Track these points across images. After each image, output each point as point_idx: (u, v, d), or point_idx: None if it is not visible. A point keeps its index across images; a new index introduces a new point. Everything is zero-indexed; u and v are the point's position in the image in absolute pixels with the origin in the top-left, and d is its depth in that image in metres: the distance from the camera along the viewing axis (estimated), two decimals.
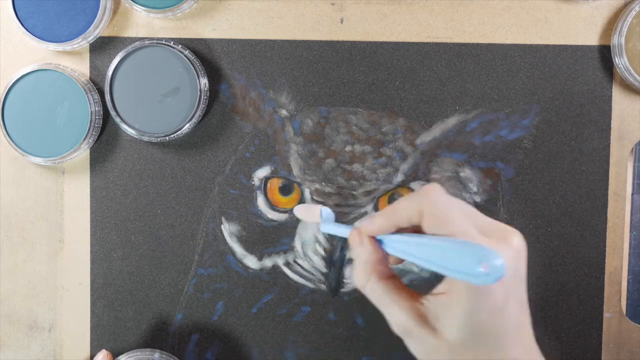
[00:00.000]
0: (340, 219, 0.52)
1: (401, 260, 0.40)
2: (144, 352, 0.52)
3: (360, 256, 0.39)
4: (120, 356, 0.52)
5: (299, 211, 0.49)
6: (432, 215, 0.36)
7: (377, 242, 0.39)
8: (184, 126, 0.51)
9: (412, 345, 0.38)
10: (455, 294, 0.36)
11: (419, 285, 0.52)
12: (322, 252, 0.52)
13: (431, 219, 0.36)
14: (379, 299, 0.38)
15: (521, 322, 0.37)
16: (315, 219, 0.47)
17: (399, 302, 0.37)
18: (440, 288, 0.37)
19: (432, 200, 0.37)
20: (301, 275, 0.53)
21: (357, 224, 0.39)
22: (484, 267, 0.33)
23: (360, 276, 0.38)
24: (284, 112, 0.52)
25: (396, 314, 0.37)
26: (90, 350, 0.53)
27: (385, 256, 0.39)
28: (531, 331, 0.38)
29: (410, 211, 0.37)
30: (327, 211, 0.46)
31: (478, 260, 0.33)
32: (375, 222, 0.39)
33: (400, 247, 0.38)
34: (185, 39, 0.52)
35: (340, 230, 0.43)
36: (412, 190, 0.49)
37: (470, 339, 0.35)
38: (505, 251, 0.35)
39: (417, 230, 0.38)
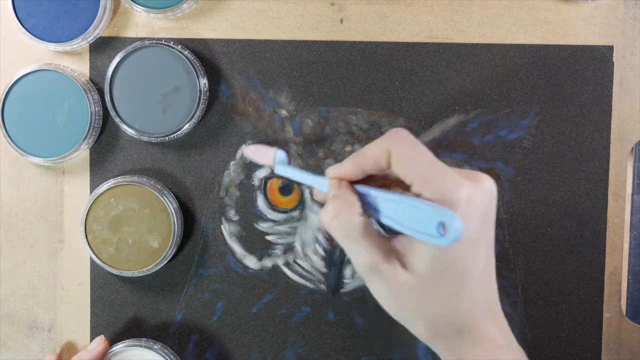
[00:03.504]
0: None
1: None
2: (139, 341, 0.52)
3: (332, 195, 0.38)
4: (118, 343, 0.52)
5: (251, 153, 0.47)
6: (400, 154, 0.36)
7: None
8: (184, 126, 0.51)
9: (377, 284, 0.37)
10: None
11: None
12: (322, 252, 0.52)
13: (400, 157, 0.36)
14: (346, 235, 0.37)
15: (486, 264, 0.37)
16: (268, 161, 0.45)
17: (367, 237, 0.36)
18: None
19: (399, 139, 0.37)
20: (301, 276, 0.53)
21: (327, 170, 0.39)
22: (442, 228, 0.33)
23: (329, 210, 0.37)
24: (284, 112, 0.52)
25: (363, 249, 0.36)
26: None
27: (358, 199, 0.38)
28: (494, 275, 0.38)
29: (378, 152, 0.37)
30: (282, 153, 0.45)
31: (437, 220, 0.33)
32: (344, 165, 0.38)
33: (363, 199, 0.37)
34: (185, 39, 0.52)
35: (305, 178, 0.42)
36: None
37: (437, 275, 0.35)
38: (477, 191, 0.35)
39: (386, 180, 0.38)
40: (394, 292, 0.36)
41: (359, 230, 0.37)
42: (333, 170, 0.39)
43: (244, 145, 0.51)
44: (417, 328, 0.37)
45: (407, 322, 0.37)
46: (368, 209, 0.38)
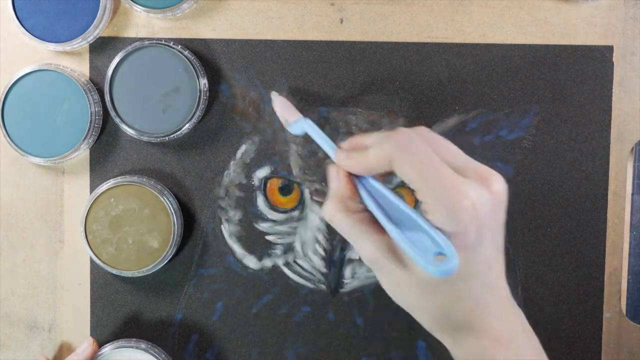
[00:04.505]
0: None
1: None
2: (129, 341, 0.52)
3: (333, 189, 0.39)
4: (106, 345, 0.52)
5: (279, 104, 0.46)
6: (400, 163, 0.36)
7: (354, 178, 0.39)
8: (183, 126, 0.51)
9: (381, 278, 0.38)
10: None
11: None
12: (322, 253, 0.52)
13: (400, 166, 0.36)
14: (347, 232, 0.38)
15: (492, 265, 0.37)
16: (292, 117, 0.45)
17: (367, 234, 0.37)
18: None
19: (400, 146, 0.36)
20: (301, 276, 0.53)
21: (336, 153, 0.40)
22: (438, 260, 0.33)
23: (329, 208, 0.38)
24: None
25: (365, 245, 0.37)
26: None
27: (357, 193, 0.39)
28: (504, 278, 0.38)
29: (381, 160, 0.37)
30: (307, 121, 0.44)
31: (436, 250, 0.33)
32: (351, 164, 0.39)
33: (374, 193, 0.38)
34: (185, 39, 0.52)
35: (321, 139, 0.42)
36: (411, 190, 0.49)
37: (436, 279, 0.35)
38: (483, 193, 0.35)
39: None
40: (395, 286, 0.37)
41: (358, 227, 0.37)
42: (340, 161, 0.39)
43: (273, 92, 0.49)
44: (419, 319, 0.38)
45: (410, 311, 0.38)
46: (366, 201, 0.38)
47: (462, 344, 0.37)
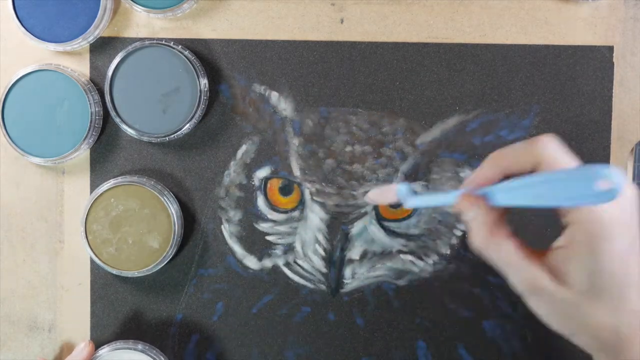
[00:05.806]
0: (340, 219, 0.52)
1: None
2: (126, 342, 0.52)
3: (477, 219, 0.37)
4: (103, 346, 0.51)
5: (375, 197, 0.47)
6: (552, 165, 0.36)
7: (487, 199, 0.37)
8: (184, 126, 0.51)
9: (539, 304, 0.37)
10: (577, 244, 0.35)
11: (419, 285, 0.52)
12: (322, 253, 0.52)
13: (552, 168, 0.36)
14: (504, 259, 0.37)
15: None
16: (392, 200, 0.45)
17: (524, 260, 0.36)
18: (559, 242, 0.37)
19: (553, 149, 0.36)
20: (301, 276, 0.53)
21: (462, 185, 0.39)
22: (603, 184, 0.32)
23: (480, 237, 0.37)
24: (284, 113, 0.52)
25: (524, 271, 0.36)
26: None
27: (502, 214, 0.38)
28: None
29: (525, 157, 0.36)
30: (404, 186, 0.43)
31: (593, 179, 0.32)
32: (482, 170, 0.38)
33: (507, 195, 0.37)
34: (185, 39, 0.52)
35: (435, 199, 0.42)
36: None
37: (596, 291, 0.35)
38: (622, 205, 0.35)
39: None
40: (554, 309, 0.37)
41: (516, 255, 0.37)
42: (471, 181, 0.38)
43: (367, 195, 0.49)
44: (580, 340, 0.37)
45: (569, 335, 0.38)
46: (506, 203, 0.37)
47: (624, 358, 0.36)
